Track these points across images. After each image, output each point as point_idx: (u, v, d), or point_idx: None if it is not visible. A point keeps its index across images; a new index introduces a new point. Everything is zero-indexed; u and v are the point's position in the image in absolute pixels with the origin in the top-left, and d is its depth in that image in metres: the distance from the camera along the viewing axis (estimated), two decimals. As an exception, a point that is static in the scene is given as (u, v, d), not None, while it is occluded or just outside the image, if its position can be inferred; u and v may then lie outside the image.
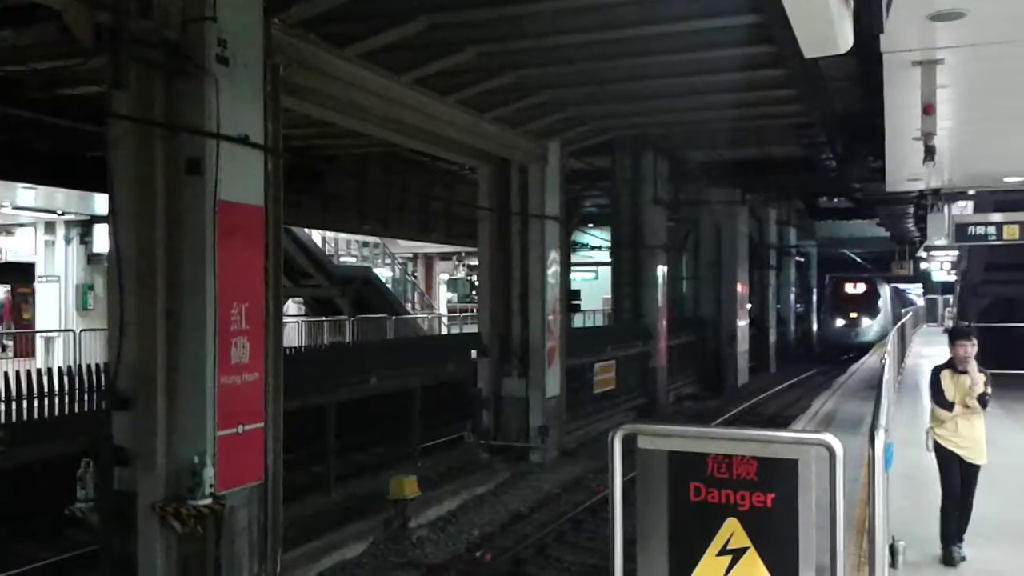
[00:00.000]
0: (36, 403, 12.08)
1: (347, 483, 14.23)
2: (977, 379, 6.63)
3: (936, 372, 6.93)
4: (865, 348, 34.96)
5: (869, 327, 40.62)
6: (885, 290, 43.35)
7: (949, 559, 6.64)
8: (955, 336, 7.01)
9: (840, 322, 41.40)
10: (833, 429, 10.87)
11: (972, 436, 6.71)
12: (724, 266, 29.62)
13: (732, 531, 3.44)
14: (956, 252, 27.21)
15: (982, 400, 6.63)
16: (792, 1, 4.90)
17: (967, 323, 6.83)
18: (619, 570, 3.62)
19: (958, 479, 6.71)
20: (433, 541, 12.05)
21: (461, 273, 45.31)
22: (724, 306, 29.53)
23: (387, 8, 10.72)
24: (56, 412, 12.23)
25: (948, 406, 6.73)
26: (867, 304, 41.33)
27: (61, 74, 10.24)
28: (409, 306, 36.94)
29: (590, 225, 34.46)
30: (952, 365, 6.82)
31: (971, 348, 6.75)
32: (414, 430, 16.15)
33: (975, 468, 6.76)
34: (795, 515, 3.35)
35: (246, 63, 8.45)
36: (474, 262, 30.90)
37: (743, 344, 30.04)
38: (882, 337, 34.26)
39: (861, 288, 42.13)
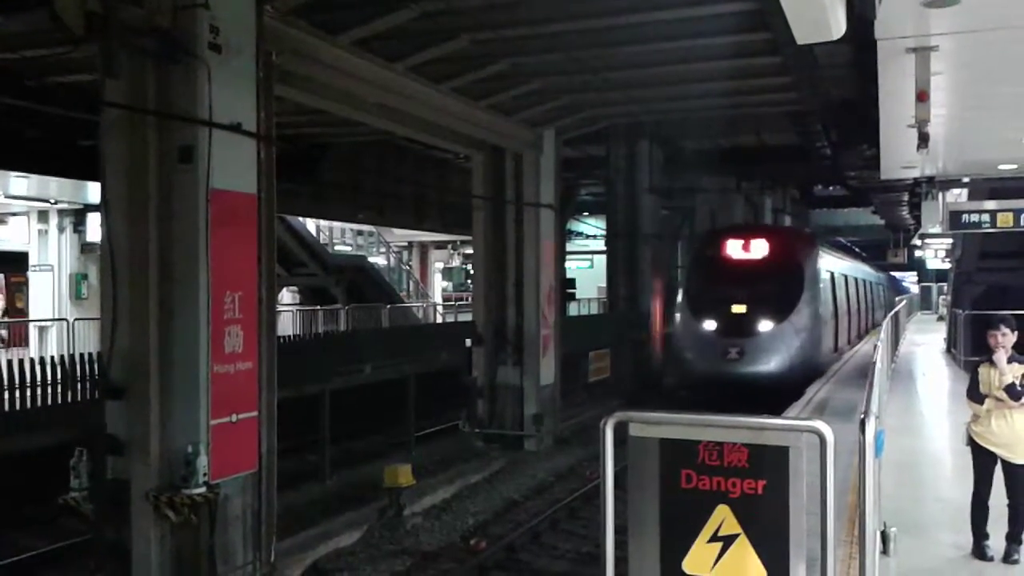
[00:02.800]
0: (30, 392, 12.09)
1: (342, 471, 14.27)
2: (1004, 369, 6.28)
3: (976, 364, 6.63)
4: (761, 391, 15.72)
5: (771, 342, 17.39)
6: (816, 261, 18.97)
7: (980, 553, 6.45)
8: (989, 325, 6.60)
9: (708, 325, 17.84)
10: (826, 417, 10.88)
11: (1010, 432, 6.33)
12: (719, 254, 29.53)
13: (723, 518, 3.45)
14: (950, 240, 27.23)
15: (1011, 391, 6.25)
16: (785, -13, 4.89)
17: (996, 312, 6.69)
18: (611, 557, 3.63)
19: (990, 474, 6.43)
20: (427, 529, 12.07)
21: (456, 262, 45.28)
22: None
23: (379, -5, 10.69)
24: (50, 401, 12.24)
25: (980, 399, 6.42)
26: (773, 288, 17.93)
27: (52, 62, 10.17)
28: (404, 295, 36.92)
29: (585, 213, 34.46)
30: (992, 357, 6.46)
31: (1002, 337, 6.38)
32: (409, 419, 16.18)
33: (1017, 467, 6.34)
34: (786, 502, 3.35)
35: (238, 50, 8.42)
36: (469, 251, 30.89)
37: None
38: (800, 376, 16.35)
39: (760, 250, 18.53)
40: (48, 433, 11.29)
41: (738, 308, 17.67)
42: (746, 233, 19.28)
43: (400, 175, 22.65)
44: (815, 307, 18.07)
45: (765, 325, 17.29)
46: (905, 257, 39.76)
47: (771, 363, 17.07)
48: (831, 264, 20.78)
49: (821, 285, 18.66)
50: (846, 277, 22.81)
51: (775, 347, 17.30)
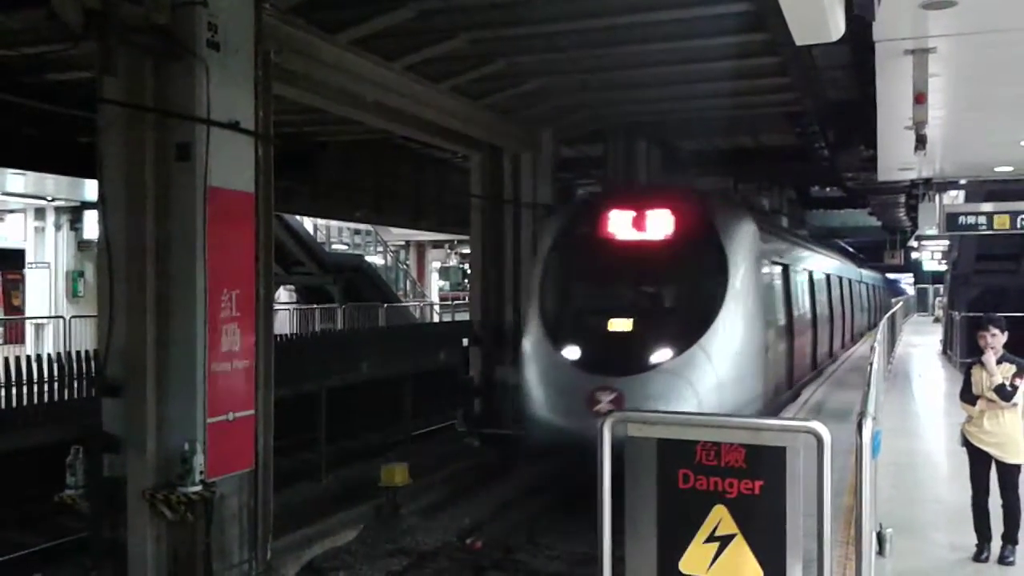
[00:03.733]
0: (26, 390, 12.09)
1: (338, 470, 14.27)
2: (993, 370, 6.36)
3: (969, 365, 6.73)
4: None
5: (670, 383, 10.43)
6: (753, 245, 11.71)
7: (976, 555, 6.52)
8: (978, 326, 6.69)
9: (568, 354, 11.05)
10: (823, 418, 10.87)
11: (1002, 432, 6.40)
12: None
13: (720, 518, 3.46)
14: (947, 242, 27.29)
15: (1001, 392, 6.31)
16: (784, -12, 4.90)
17: (996, 313, 6.76)
18: (607, 557, 3.64)
19: (985, 476, 6.51)
20: (424, 528, 12.06)
21: (453, 261, 45.28)
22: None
23: (377, -7, 10.67)
24: (46, 399, 12.24)
25: (972, 400, 6.50)
26: (677, 290, 11.91)
27: (51, 59, 10.16)
28: (401, 294, 36.92)
29: (583, 213, 34.37)
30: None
31: (991, 337, 6.45)
32: (406, 418, 16.19)
33: (1009, 467, 6.44)
34: (783, 502, 3.37)
35: (237, 48, 8.41)
36: (466, 250, 30.87)
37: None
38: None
39: (660, 226, 11.37)
40: (44, 431, 11.29)
41: (617, 324, 10.81)
42: (636, 199, 11.84)
43: (398, 174, 22.63)
44: (749, 320, 11.09)
45: (661, 354, 10.49)
46: (902, 259, 39.81)
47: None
48: (782, 251, 14.04)
49: (762, 284, 11.78)
50: (811, 273, 16.51)
51: (676, 391, 10.27)
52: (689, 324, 10.79)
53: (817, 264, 18.32)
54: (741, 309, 10.99)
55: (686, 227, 11.27)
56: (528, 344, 11.59)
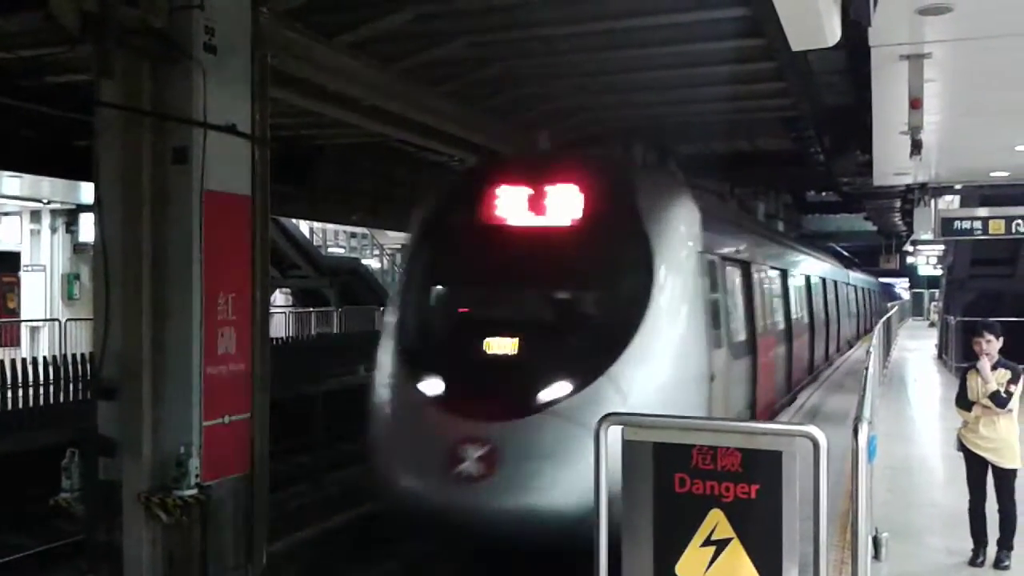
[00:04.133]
0: (21, 392, 12.08)
1: (335, 473, 14.25)
2: (988, 376, 6.38)
3: (964, 371, 6.78)
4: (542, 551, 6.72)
5: (565, 434, 6.77)
6: (690, 231, 8.41)
7: (972, 559, 6.54)
8: (973, 332, 6.75)
9: (427, 388, 7.71)
10: (819, 422, 10.84)
11: (998, 437, 6.43)
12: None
13: (716, 522, 3.46)
14: (942, 246, 27.36)
15: (996, 399, 6.34)
16: (780, -6, 4.92)
17: (991, 319, 6.87)
18: (604, 561, 3.64)
19: (981, 481, 6.54)
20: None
21: (450, 265, 45.19)
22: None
23: (374, -3, 10.68)
24: (41, 402, 12.22)
25: (968, 406, 6.53)
26: (583, 297, 8.48)
27: (48, 62, 10.17)
28: (397, 297, 36.88)
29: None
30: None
31: (985, 344, 6.48)
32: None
33: (1005, 472, 6.47)
34: (779, 506, 3.37)
35: (234, 51, 8.41)
36: (463, 254, 30.87)
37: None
38: None
39: (564, 207, 8.13)
40: (40, 434, 11.28)
41: (497, 346, 7.83)
42: (531, 170, 8.84)
43: (395, 177, 22.63)
44: (685, 338, 8.13)
45: (555, 388, 7.44)
46: (897, 263, 39.94)
47: (562, 486, 6.84)
48: (738, 244, 11.19)
49: (707, 287, 8.72)
50: (784, 273, 13.90)
51: (574, 442, 6.79)
52: (596, 345, 7.73)
53: (791, 263, 15.42)
54: (673, 322, 7.99)
55: (597, 208, 8.23)
56: (377, 371, 8.43)
